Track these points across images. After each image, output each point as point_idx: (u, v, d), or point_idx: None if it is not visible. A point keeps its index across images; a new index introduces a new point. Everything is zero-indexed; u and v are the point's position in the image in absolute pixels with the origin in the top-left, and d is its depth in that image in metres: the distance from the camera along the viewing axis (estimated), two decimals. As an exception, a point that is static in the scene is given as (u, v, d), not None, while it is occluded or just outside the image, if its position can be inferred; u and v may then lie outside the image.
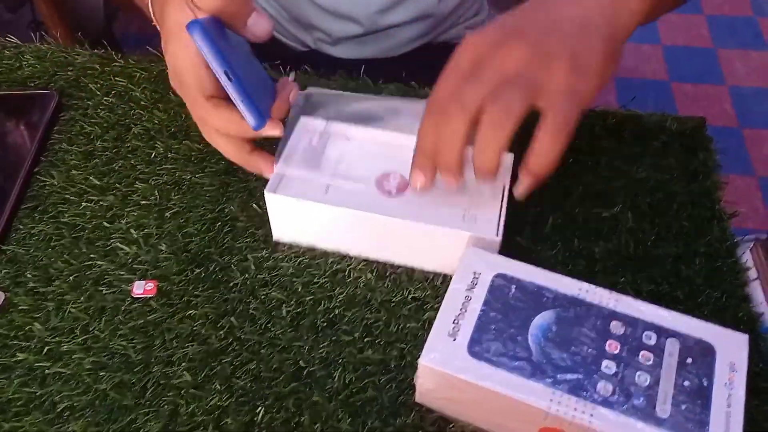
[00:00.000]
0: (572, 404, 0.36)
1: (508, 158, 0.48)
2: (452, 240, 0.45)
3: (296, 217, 0.47)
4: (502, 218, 0.45)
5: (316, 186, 0.47)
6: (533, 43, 0.40)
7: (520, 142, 0.41)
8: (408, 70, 0.63)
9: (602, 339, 0.39)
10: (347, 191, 0.46)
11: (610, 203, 0.52)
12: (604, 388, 0.37)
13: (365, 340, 0.45)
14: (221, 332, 0.45)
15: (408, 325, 0.46)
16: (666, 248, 0.50)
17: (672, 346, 0.39)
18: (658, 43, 1.88)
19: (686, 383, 0.37)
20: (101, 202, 0.52)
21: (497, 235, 0.44)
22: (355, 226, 0.46)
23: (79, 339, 0.45)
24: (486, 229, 0.45)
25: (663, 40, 1.89)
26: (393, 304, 0.47)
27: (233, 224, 0.51)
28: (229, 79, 0.41)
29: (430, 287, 0.48)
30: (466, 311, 0.40)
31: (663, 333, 0.39)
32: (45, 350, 0.45)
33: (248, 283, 0.48)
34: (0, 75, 0.62)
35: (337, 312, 0.46)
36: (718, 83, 1.78)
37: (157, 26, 0.47)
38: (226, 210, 0.52)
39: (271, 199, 0.46)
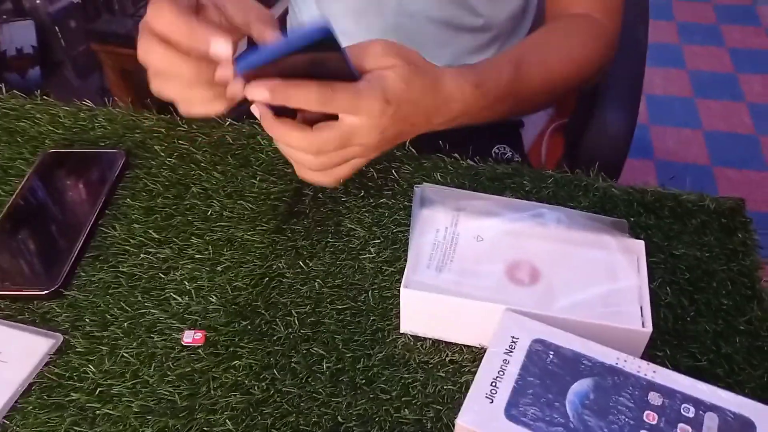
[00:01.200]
0: (609, 473, 0.36)
1: (640, 244, 0.50)
2: (598, 331, 0.44)
3: (429, 311, 0.48)
4: (647, 307, 0.46)
5: (448, 279, 0.47)
6: None
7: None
8: (449, 143, 0.67)
9: (640, 409, 0.39)
10: (480, 283, 0.47)
11: (649, 278, 0.53)
12: (642, 458, 0.37)
13: (402, 399, 0.46)
14: (264, 384, 0.47)
15: (445, 387, 0.47)
16: (705, 324, 0.50)
17: (711, 420, 0.38)
18: (699, 128, 1.90)
19: (726, 458, 0.37)
20: (158, 255, 0.56)
21: (647, 326, 0.45)
22: (492, 319, 0.45)
23: (129, 383, 0.47)
24: (635, 320, 0.45)
25: (704, 125, 1.91)
26: (431, 365, 0.48)
27: (280, 280, 0.53)
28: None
29: (468, 351, 0.49)
30: (503, 374, 0.41)
31: (702, 406, 0.39)
32: (97, 392, 0.47)
33: (291, 337, 0.50)
34: (75, 134, 0.67)
35: (375, 370, 0.48)
36: (761, 169, 1.78)
37: None
38: (274, 266, 0.54)
39: (405, 294, 0.47)
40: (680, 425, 0.38)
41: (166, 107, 0.72)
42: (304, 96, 0.45)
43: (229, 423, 0.45)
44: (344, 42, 0.43)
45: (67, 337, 0.50)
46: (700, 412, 0.39)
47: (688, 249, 0.55)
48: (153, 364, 0.48)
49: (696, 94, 2.02)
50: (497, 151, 0.86)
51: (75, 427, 0.45)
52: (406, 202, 0.59)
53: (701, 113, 1.95)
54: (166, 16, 0.47)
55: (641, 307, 0.46)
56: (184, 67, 0.48)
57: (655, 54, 2.10)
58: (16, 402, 0.46)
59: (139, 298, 0.52)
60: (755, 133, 1.88)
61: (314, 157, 0.49)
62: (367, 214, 0.58)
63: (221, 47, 0.46)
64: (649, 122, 1.91)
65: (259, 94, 0.45)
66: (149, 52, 0.48)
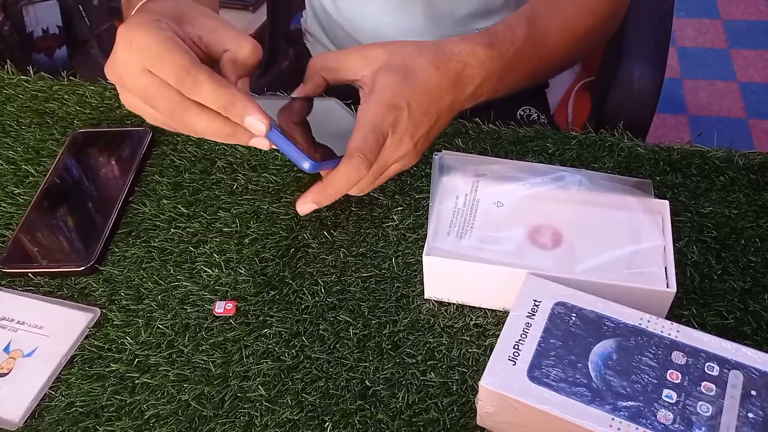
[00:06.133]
0: (632, 431, 0.37)
1: (664, 204, 0.49)
2: (621, 292, 0.44)
3: (452, 278, 0.48)
4: (672, 267, 0.45)
5: (470, 246, 0.48)
6: None
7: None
8: (472, 107, 0.66)
9: (663, 368, 0.39)
10: (502, 248, 0.47)
11: (675, 237, 0.52)
12: (665, 416, 0.37)
13: (428, 363, 0.47)
14: (293, 351, 0.48)
15: (470, 350, 0.47)
16: (733, 282, 0.49)
17: (735, 378, 0.39)
18: (734, 80, 1.84)
19: (750, 415, 0.37)
20: (188, 229, 0.57)
21: (671, 286, 0.44)
22: (514, 283, 0.45)
23: (165, 353, 0.49)
24: (659, 281, 0.45)
25: (739, 77, 1.85)
26: (455, 329, 0.49)
27: (305, 251, 0.54)
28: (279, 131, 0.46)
29: (492, 315, 0.49)
30: (526, 337, 0.42)
31: (726, 364, 0.39)
32: (135, 362, 0.49)
33: (318, 305, 0.51)
34: (102, 114, 0.69)
35: (401, 335, 0.49)
36: (799, 120, 1.72)
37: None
38: (299, 237, 0.55)
39: (428, 261, 0.47)
40: (704, 383, 0.39)
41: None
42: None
43: (261, 389, 0.46)
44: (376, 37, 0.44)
45: (104, 310, 0.52)
46: (725, 370, 0.39)
47: (716, 207, 0.55)
48: (187, 335, 0.50)
49: (730, 44, 1.95)
50: (522, 113, 0.85)
51: (116, 396, 0.47)
52: (427, 170, 0.59)
53: (736, 64, 1.88)
54: (205, 84, 0.44)
55: (665, 268, 0.46)
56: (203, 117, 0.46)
57: (686, 5, 2.03)
58: (60, 373, 0.49)
59: (171, 272, 0.54)
60: (793, 82, 1.82)
61: (358, 191, 0.51)
62: (389, 183, 0.58)
63: (258, 126, 0.45)
64: (682, 76, 1.85)
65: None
66: (157, 98, 0.45)
